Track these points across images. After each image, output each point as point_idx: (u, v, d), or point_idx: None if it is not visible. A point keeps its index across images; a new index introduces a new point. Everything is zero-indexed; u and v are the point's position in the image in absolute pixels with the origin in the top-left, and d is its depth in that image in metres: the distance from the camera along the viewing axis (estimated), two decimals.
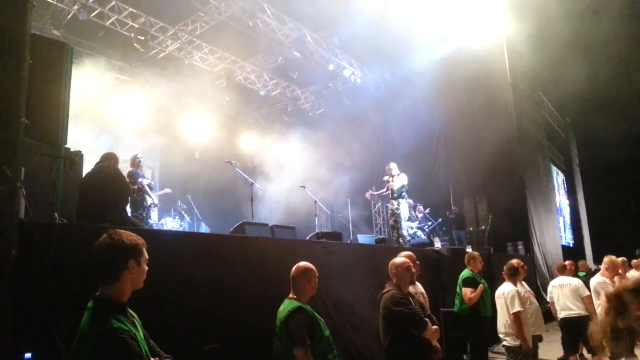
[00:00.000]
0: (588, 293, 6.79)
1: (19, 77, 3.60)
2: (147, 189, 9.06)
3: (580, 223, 22.58)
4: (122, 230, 2.25)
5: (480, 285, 6.76)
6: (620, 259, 7.81)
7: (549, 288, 7.66)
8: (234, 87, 16.44)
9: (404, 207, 11.20)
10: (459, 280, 6.95)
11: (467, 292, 6.72)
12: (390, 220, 11.68)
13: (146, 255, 2.25)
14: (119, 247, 2.13)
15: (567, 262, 9.34)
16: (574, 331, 6.93)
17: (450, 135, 16.04)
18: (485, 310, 6.74)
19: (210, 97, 16.49)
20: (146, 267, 2.25)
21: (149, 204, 9.14)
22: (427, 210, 13.82)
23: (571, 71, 16.83)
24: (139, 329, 2.23)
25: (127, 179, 8.31)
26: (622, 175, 20.03)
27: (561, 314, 7.21)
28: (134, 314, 2.27)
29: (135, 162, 9.11)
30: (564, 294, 7.15)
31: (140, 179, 8.91)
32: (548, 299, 7.74)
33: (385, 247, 9.04)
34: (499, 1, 13.79)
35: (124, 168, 8.37)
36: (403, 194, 11.25)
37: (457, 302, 7.00)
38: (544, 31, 13.51)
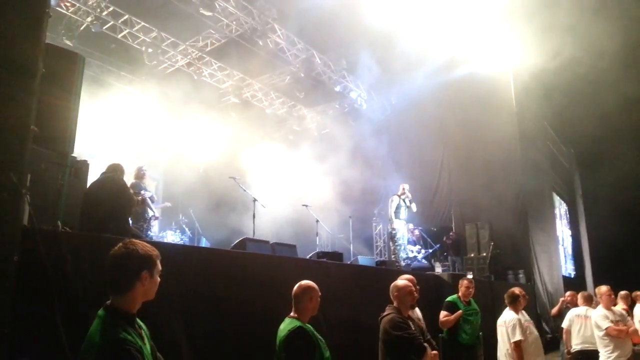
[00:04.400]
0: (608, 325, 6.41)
1: (31, 86, 3.63)
2: (149, 201, 9.08)
3: (582, 254, 22.43)
4: (137, 241, 2.24)
5: (459, 311, 6.48)
6: (623, 292, 7.74)
7: (570, 316, 7.37)
8: (240, 104, 16.57)
9: (399, 228, 11.18)
10: None
11: (441, 315, 6.54)
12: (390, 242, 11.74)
13: (159, 267, 2.24)
14: (133, 257, 2.13)
15: (568, 293, 9.24)
16: None
17: (454, 160, 16.04)
18: (463, 337, 6.43)
19: (217, 113, 16.60)
20: (158, 279, 2.24)
21: (149, 216, 9.15)
22: (416, 231, 13.67)
23: (577, 102, 16.91)
24: (146, 341, 2.22)
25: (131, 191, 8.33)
26: (625, 207, 19.94)
27: (579, 346, 6.97)
28: (142, 325, 2.26)
29: (140, 175, 9.15)
30: (587, 325, 6.88)
31: (142, 191, 8.94)
32: (564, 326, 7.50)
33: (385, 270, 8.99)
34: (506, 30, 13.94)
35: (128, 179, 8.39)
36: (399, 215, 11.26)
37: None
38: (551, 62, 13.59)
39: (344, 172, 15.88)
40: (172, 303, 4.18)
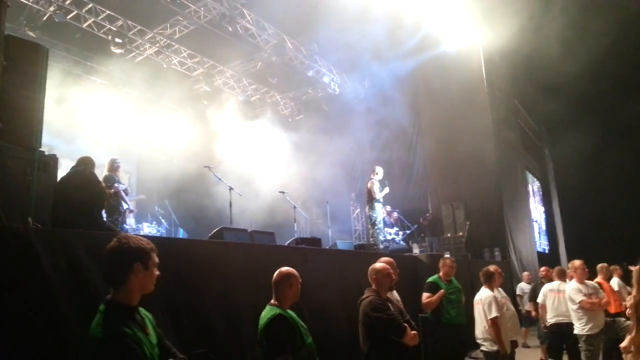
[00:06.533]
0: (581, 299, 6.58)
1: None
2: (123, 194, 8.95)
3: (555, 229, 22.96)
4: (131, 235, 2.38)
5: (442, 290, 6.40)
6: (600, 265, 7.93)
7: (544, 291, 7.67)
8: (212, 92, 16.36)
9: (379, 211, 11.17)
10: None
11: (424, 296, 6.45)
12: (368, 225, 11.70)
13: (156, 260, 2.34)
14: (125, 250, 2.22)
15: (543, 269, 9.45)
16: (565, 337, 7.02)
17: (428, 141, 16.17)
18: (447, 317, 6.34)
19: (189, 101, 16.38)
20: (156, 271, 2.34)
21: (124, 209, 9.03)
22: (396, 215, 13.78)
23: (546, 80, 17.17)
24: (151, 330, 2.32)
25: (103, 184, 8.19)
26: (596, 182, 20.43)
27: (554, 319, 7.25)
28: (148, 314, 2.38)
29: (114, 167, 9.01)
30: (561, 299, 7.13)
31: (116, 184, 8.80)
32: (539, 301, 7.80)
33: (364, 253, 9.05)
34: (475, 9, 14.02)
35: (100, 172, 8.24)
36: (380, 199, 11.21)
37: None
38: (520, 40, 13.72)
39: (319, 157, 15.87)
40: (155, 294, 4.13)
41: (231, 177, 11.60)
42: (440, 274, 6.69)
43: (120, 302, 2.19)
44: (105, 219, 8.10)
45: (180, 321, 4.36)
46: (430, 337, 6.46)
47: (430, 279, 6.67)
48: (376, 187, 11.10)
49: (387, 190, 11.26)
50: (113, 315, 2.13)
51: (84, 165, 6.32)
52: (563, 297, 7.04)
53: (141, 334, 2.18)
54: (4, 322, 3.16)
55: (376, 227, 11.07)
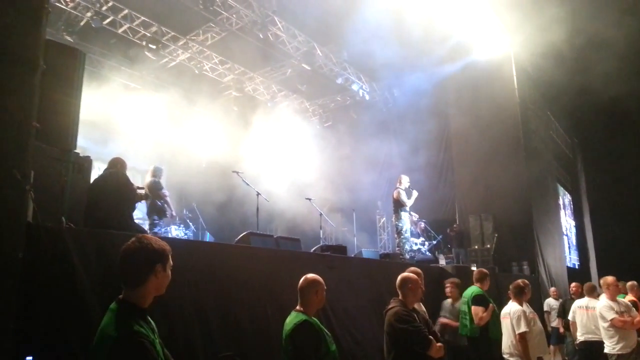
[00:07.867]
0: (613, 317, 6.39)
1: (31, 82, 3.60)
2: (169, 200, 9.13)
3: (587, 244, 22.40)
4: (151, 235, 2.31)
5: (491, 305, 6.08)
6: (630, 283, 7.71)
7: (573, 307, 7.48)
8: (242, 97, 16.52)
9: (405, 221, 11.08)
10: (467, 299, 6.26)
11: (478, 311, 5.97)
12: (395, 235, 11.63)
13: (171, 262, 2.30)
14: (147, 250, 2.18)
15: (574, 285, 9.23)
16: (595, 356, 6.82)
17: (457, 152, 16.00)
18: (493, 332, 5.99)
19: (219, 107, 16.56)
20: (170, 274, 2.29)
21: (168, 214, 9.21)
22: (422, 225, 13.65)
23: (579, 92, 16.82)
24: (156, 336, 2.24)
25: (150, 189, 8.41)
26: (629, 197, 19.90)
27: (583, 337, 7.07)
28: (151, 321, 2.29)
29: (159, 174, 9.19)
30: (589, 316, 6.97)
31: (163, 190, 9.00)
32: (570, 319, 7.63)
33: (389, 263, 8.99)
34: (508, 19, 13.86)
35: (132, 175, 8.39)
36: (407, 207, 11.13)
37: (465, 322, 6.21)
38: (552, 51, 13.50)
39: (347, 164, 15.86)
40: (184, 297, 4.18)
41: (258, 182, 11.69)
42: (479, 284, 6.39)
43: (133, 302, 2.15)
44: (155, 221, 8.42)
45: (208, 324, 4.39)
46: (477, 352, 6.14)
47: (477, 292, 6.22)
48: (403, 196, 11.03)
49: (415, 194, 11.18)
50: (126, 314, 2.09)
51: (115, 167, 6.44)
52: (592, 314, 6.86)
53: (152, 335, 2.14)
54: (34, 320, 3.23)
55: (402, 237, 10.98)
